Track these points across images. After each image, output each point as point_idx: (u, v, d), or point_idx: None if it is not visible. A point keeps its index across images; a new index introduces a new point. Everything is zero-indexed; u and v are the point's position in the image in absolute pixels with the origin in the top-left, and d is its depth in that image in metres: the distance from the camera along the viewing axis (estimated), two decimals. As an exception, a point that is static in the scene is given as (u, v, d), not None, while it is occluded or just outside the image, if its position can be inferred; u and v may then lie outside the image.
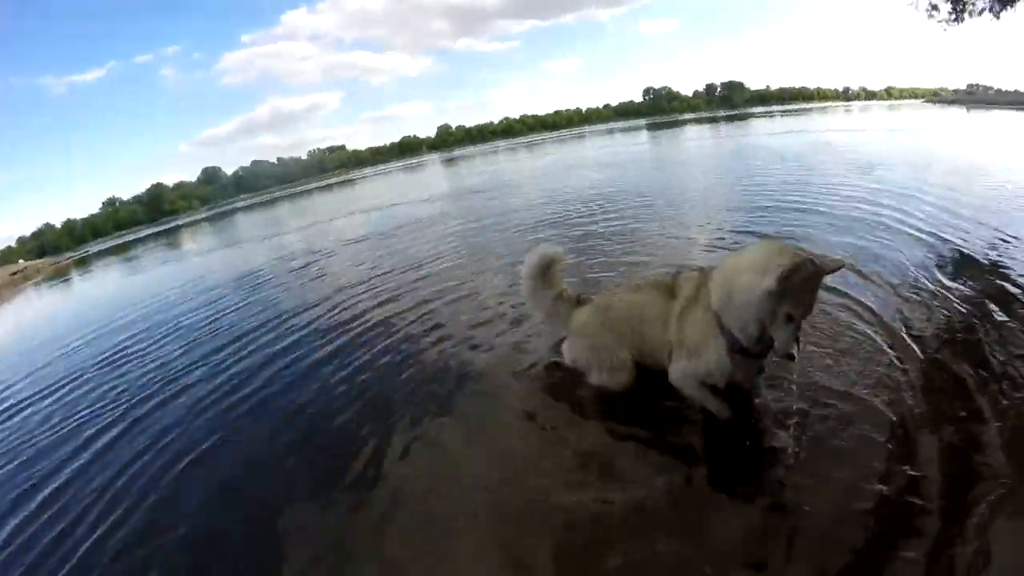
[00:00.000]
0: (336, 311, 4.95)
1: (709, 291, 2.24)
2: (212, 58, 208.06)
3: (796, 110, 53.81)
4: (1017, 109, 28.16)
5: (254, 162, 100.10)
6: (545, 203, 9.73)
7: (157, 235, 29.13)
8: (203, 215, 46.60)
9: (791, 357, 2.07)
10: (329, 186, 40.58)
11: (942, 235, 4.53)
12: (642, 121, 77.59)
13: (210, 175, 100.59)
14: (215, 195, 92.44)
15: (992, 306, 3.05)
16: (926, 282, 3.51)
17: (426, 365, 3.39)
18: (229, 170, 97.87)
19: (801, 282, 1.86)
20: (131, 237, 32.39)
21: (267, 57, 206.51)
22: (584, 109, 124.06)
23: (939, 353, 2.65)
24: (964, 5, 13.74)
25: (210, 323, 5.64)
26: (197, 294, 7.58)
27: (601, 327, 2.70)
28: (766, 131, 23.56)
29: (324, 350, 3.99)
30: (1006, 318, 2.90)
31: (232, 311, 5.95)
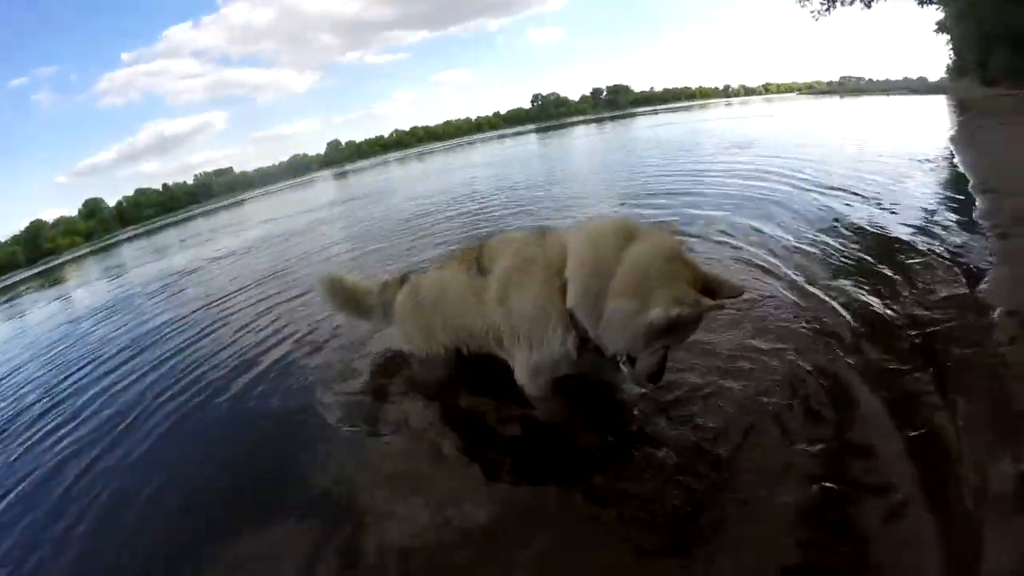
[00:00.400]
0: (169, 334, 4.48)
1: (551, 270, 1.80)
2: (90, 79, 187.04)
3: (678, 107, 57.11)
4: (884, 94, 33.28)
5: (138, 191, 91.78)
6: (417, 200, 9.89)
7: (36, 276, 25.58)
8: (86, 250, 41.85)
9: (654, 381, 1.72)
10: (216, 210, 37.76)
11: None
12: (531, 126, 78.87)
13: (91, 208, 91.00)
14: (98, 228, 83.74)
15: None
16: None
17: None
18: (112, 200, 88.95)
19: (690, 322, 1.57)
20: (12, 279, 28.40)
21: (149, 76, 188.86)
22: (475, 118, 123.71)
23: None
24: None
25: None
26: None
27: (412, 311, 2.44)
28: (648, 124, 25.07)
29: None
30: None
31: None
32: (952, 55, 36.43)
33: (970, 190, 4.33)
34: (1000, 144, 6.47)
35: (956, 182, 4.74)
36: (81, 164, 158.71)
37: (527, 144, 27.84)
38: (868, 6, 14.16)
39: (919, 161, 6.01)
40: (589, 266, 1.67)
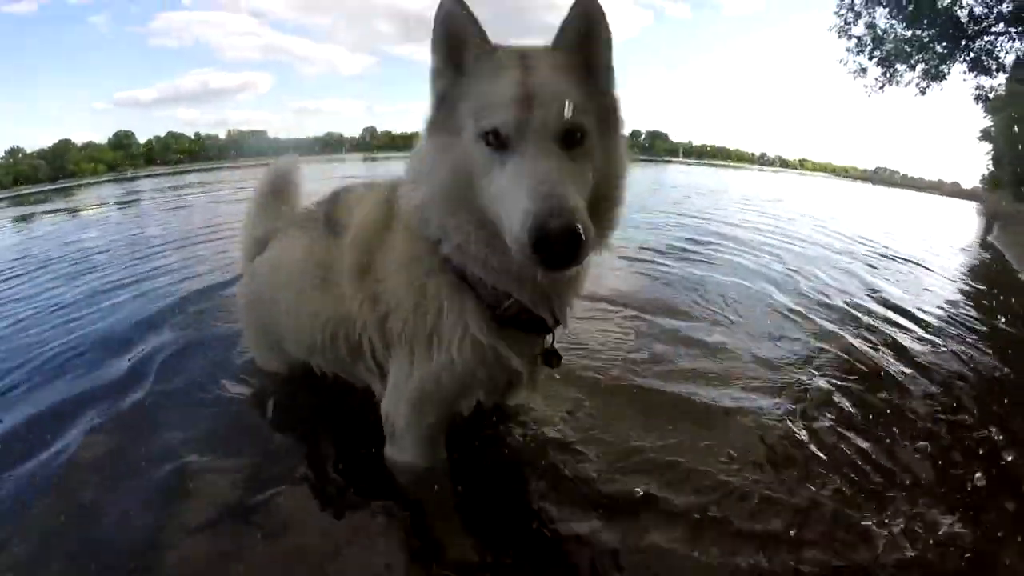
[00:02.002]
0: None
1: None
2: (148, 14, 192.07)
3: (714, 164, 57.08)
4: (914, 191, 33.68)
5: (170, 133, 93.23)
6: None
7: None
8: (107, 178, 42.02)
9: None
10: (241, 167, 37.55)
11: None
12: None
13: (122, 139, 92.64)
14: (122, 162, 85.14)
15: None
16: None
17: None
18: (143, 138, 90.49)
19: None
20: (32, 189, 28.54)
21: (205, 25, 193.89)
22: None
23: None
24: (893, 72, 14.25)
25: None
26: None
27: (248, 306, 1.83)
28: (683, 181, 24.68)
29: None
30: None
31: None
32: (991, 165, 36.50)
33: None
34: None
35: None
36: (121, 95, 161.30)
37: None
38: (923, 92, 13.92)
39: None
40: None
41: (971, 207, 19.45)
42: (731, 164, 78.72)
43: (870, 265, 4.77)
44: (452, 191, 1.12)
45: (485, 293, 1.21)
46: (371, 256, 1.28)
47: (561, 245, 0.91)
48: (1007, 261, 5.17)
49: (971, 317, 3.24)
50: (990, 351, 2.61)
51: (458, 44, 1.15)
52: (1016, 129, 17.68)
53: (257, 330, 1.80)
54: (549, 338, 1.34)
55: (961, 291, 4.00)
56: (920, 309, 3.32)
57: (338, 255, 1.36)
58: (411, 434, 1.32)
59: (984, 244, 6.44)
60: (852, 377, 2.23)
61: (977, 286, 4.13)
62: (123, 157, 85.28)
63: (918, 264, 4.94)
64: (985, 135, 30.39)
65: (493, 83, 1.08)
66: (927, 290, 3.98)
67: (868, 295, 3.64)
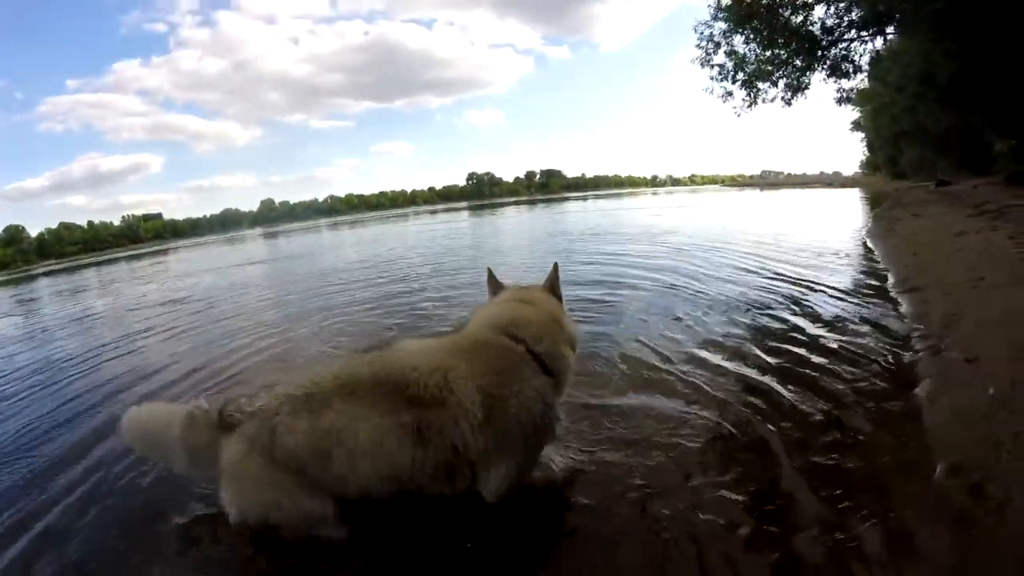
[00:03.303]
0: None
1: (517, 349, 1.67)
2: (35, 99, 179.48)
3: (607, 194, 59.95)
4: (802, 187, 36.18)
5: (62, 224, 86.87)
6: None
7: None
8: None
9: None
10: (139, 255, 34.49)
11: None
12: (463, 203, 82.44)
13: (12, 234, 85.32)
14: (14, 258, 78.27)
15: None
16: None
17: None
18: (34, 230, 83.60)
19: None
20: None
21: (92, 107, 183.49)
22: (410, 191, 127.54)
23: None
24: (757, 92, 14.88)
25: None
26: None
27: (266, 468, 1.62)
28: (577, 209, 25.45)
29: None
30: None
31: None
32: (865, 151, 40.56)
33: (891, 289, 3.97)
34: (917, 234, 6.44)
35: (877, 278, 4.38)
36: (8, 187, 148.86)
37: (458, 220, 27.43)
38: (788, 104, 14.99)
39: (838, 255, 5.74)
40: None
41: (855, 194, 21.16)
42: (625, 192, 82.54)
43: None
44: None
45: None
46: (490, 400, 1.61)
47: None
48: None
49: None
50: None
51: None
52: (883, 116, 19.66)
53: (287, 481, 1.61)
54: None
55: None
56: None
57: (448, 413, 1.58)
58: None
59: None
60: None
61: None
62: (15, 253, 78.12)
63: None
64: (856, 126, 34.01)
65: None
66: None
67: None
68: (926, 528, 1.41)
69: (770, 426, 2.03)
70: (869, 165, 42.32)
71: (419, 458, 1.52)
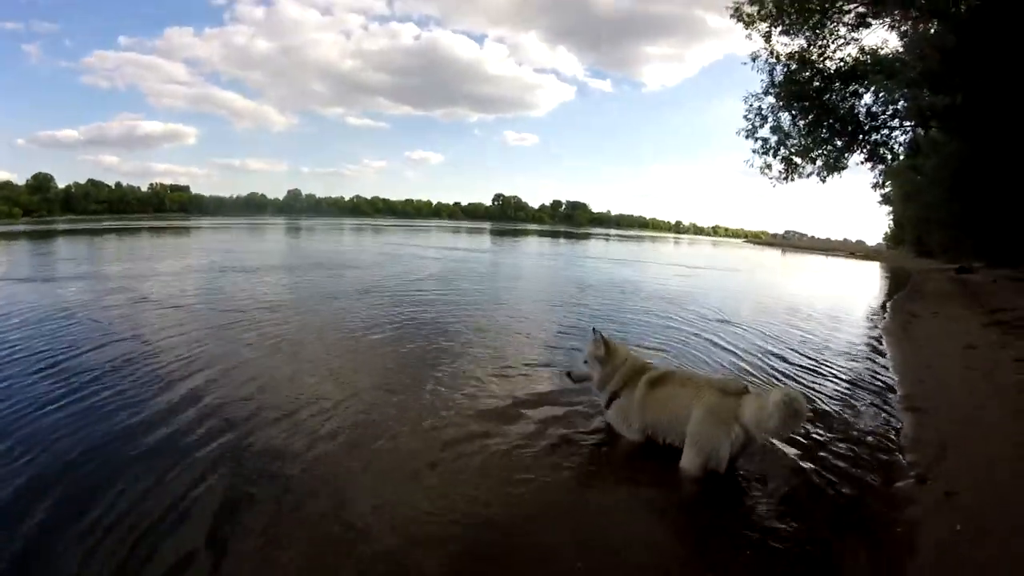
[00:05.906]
0: None
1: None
2: (83, 50, 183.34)
3: (630, 235, 60.34)
4: (823, 253, 37.59)
5: (90, 180, 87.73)
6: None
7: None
8: (21, 227, 38.36)
9: None
10: (161, 229, 33.58)
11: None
12: (487, 224, 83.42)
13: (40, 183, 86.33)
14: (39, 207, 79.22)
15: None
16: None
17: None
18: (62, 181, 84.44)
19: None
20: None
21: (139, 68, 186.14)
22: (435, 202, 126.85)
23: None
24: (795, 167, 15.26)
25: None
26: None
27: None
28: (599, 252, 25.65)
29: None
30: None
31: None
32: (892, 225, 40.61)
33: (896, 404, 4.13)
34: (932, 339, 6.60)
35: (884, 391, 4.51)
36: (43, 133, 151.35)
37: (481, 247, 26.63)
38: (823, 181, 15.18)
39: (849, 354, 5.90)
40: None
41: (876, 268, 21.05)
42: (647, 234, 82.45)
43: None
44: None
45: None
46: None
47: None
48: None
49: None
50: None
51: None
52: (914, 199, 19.79)
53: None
54: None
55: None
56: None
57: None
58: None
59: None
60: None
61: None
62: (40, 202, 79.24)
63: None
64: (885, 199, 34.19)
65: None
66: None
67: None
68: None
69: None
70: (893, 239, 42.26)
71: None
